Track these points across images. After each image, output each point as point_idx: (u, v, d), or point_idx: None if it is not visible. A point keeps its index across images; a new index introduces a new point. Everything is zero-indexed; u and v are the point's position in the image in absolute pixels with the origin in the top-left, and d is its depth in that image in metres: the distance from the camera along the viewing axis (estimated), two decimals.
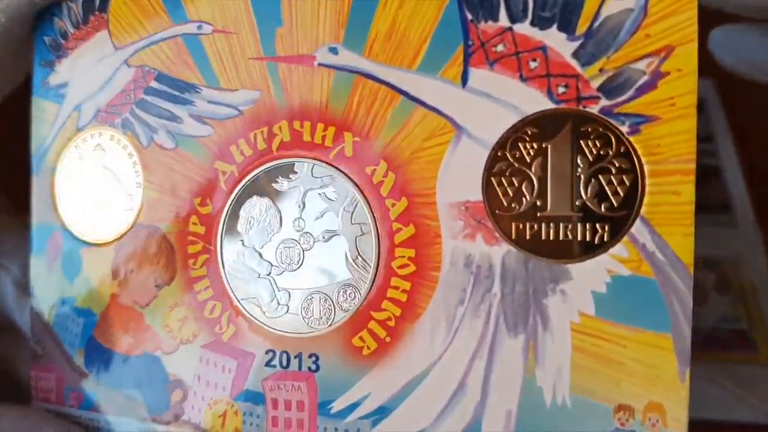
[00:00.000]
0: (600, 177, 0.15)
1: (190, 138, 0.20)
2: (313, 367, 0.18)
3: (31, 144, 0.22)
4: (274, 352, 0.19)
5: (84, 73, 0.21)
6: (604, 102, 0.15)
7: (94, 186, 0.21)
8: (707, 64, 0.19)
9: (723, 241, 0.29)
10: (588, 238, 0.15)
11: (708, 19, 0.15)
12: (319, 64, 0.18)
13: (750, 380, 0.25)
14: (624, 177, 0.15)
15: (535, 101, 0.16)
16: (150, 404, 0.20)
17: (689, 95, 0.15)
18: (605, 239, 0.15)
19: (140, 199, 0.20)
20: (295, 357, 0.18)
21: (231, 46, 0.19)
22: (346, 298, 0.18)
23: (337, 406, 0.18)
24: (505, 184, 0.16)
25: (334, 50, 0.18)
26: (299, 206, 0.18)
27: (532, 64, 0.16)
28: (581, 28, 0.16)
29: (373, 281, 0.18)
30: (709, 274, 0.28)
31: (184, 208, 0.20)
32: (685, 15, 0.15)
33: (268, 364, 0.19)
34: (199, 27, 0.20)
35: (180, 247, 0.20)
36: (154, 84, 0.20)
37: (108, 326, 0.21)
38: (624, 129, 0.15)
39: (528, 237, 0.16)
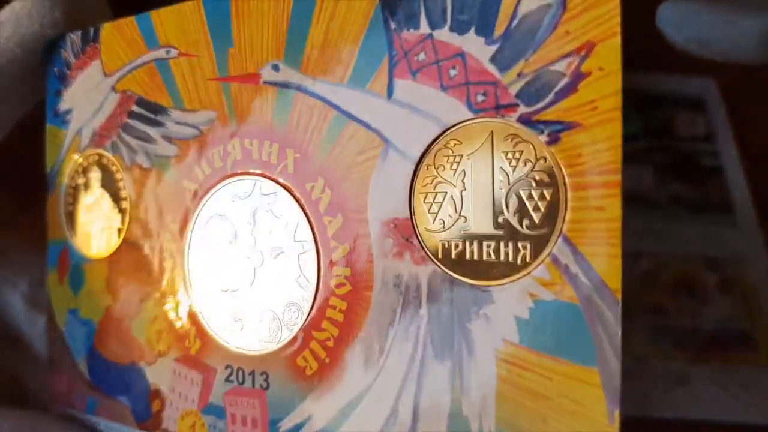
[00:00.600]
0: (521, 192, 0.14)
1: (163, 158, 0.21)
2: (264, 384, 0.19)
3: (46, 166, 0.24)
4: (232, 368, 0.19)
5: (82, 100, 0.23)
6: (522, 109, 0.14)
7: (92, 204, 0.23)
8: (707, 64, 0.17)
9: (724, 241, 0.28)
10: (510, 259, 0.14)
11: None
12: (264, 82, 0.18)
13: (751, 380, 0.24)
14: (544, 191, 0.14)
15: (456, 111, 0.15)
16: (136, 412, 0.22)
17: (612, 97, 0.13)
18: (527, 260, 0.14)
19: (126, 217, 0.22)
20: (249, 374, 0.19)
21: (193, 68, 0.20)
22: (291, 317, 0.18)
23: (285, 425, 0.18)
24: (431, 201, 0.15)
25: (275, 67, 0.18)
26: (250, 224, 0.19)
27: (452, 72, 0.15)
28: (499, 29, 0.14)
29: (314, 300, 0.17)
30: (711, 275, 0.27)
31: (159, 225, 0.21)
32: (606, 6, 0.13)
33: (227, 379, 0.19)
34: (168, 51, 0.21)
35: (157, 263, 0.21)
36: (134, 108, 0.22)
37: (105, 336, 0.23)
38: (543, 138, 0.14)
39: (453, 256, 0.15)
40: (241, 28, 0.19)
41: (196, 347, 0.20)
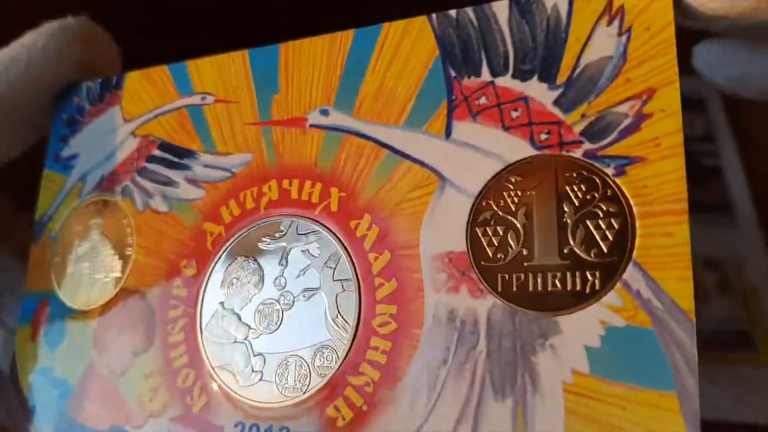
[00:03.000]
0: (587, 222, 0.15)
1: (184, 201, 0.20)
2: None
3: (36, 213, 0.23)
4: (243, 424, 0.18)
5: (94, 145, 0.23)
6: (587, 146, 0.15)
7: (87, 253, 0.22)
8: None
9: (724, 241, 0.29)
10: (578, 288, 0.15)
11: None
12: (311, 126, 0.19)
13: (750, 381, 0.25)
14: (612, 220, 0.15)
15: (518, 149, 0.16)
16: None
17: (675, 135, 0.15)
18: (596, 288, 0.14)
19: (129, 264, 0.21)
20: (266, 429, 0.17)
21: (230, 113, 0.20)
22: (323, 362, 0.17)
23: None
24: (490, 234, 0.16)
25: (325, 112, 0.19)
26: (281, 264, 0.18)
27: (514, 114, 0.16)
28: (561, 77, 0.16)
29: (353, 341, 0.17)
30: (711, 275, 0.28)
31: (169, 270, 0.20)
32: (664, 58, 0.15)
33: None
34: (203, 98, 0.21)
35: (161, 312, 0.20)
36: (156, 152, 0.21)
37: (81, 398, 0.20)
38: (609, 171, 0.15)
39: (515, 288, 0.15)
40: (289, 76, 0.20)
41: (200, 404, 0.19)
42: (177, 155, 0.21)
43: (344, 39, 0.19)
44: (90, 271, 0.22)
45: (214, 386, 0.18)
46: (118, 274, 0.21)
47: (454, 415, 0.15)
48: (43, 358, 0.22)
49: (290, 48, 0.20)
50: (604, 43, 0.16)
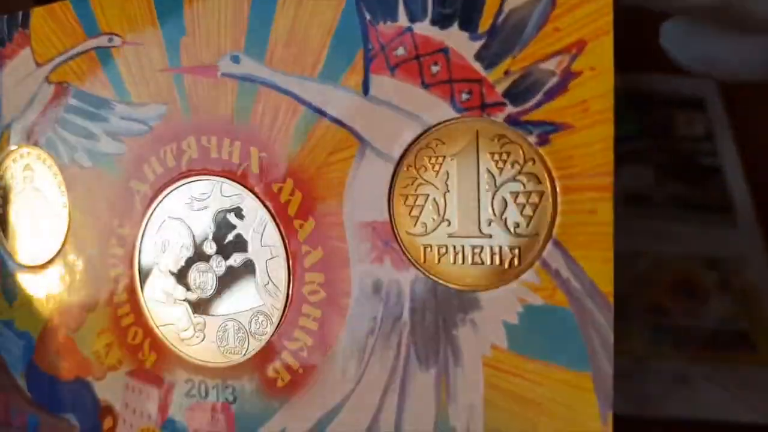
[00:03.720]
0: (509, 194, 0.14)
1: (106, 156, 0.19)
2: (230, 398, 0.17)
3: None
4: (193, 381, 0.18)
5: (12, 91, 0.21)
6: (510, 109, 0.14)
7: (26, 207, 0.21)
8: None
9: (723, 241, 0.28)
10: (498, 263, 0.14)
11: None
12: (222, 74, 0.17)
13: (751, 380, 0.24)
14: (533, 194, 0.13)
15: (439, 110, 0.14)
16: (84, 430, 0.20)
17: (604, 97, 0.13)
18: (515, 264, 0.14)
19: (66, 221, 0.20)
20: (213, 387, 0.18)
21: (139, 57, 0.18)
22: (258, 327, 0.17)
23: None
24: (412, 203, 0.15)
25: (235, 59, 0.17)
26: (210, 227, 0.17)
27: (434, 69, 0.14)
28: (484, 24, 0.14)
29: (285, 308, 0.17)
30: (711, 275, 0.27)
31: (104, 229, 0.19)
32: (598, 3, 0.13)
33: (188, 393, 0.18)
34: (110, 39, 0.19)
35: (102, 271, 0.19)
36: (72, 101, 0.20)
37: (45, 350, 0.21)
38: (532, 139, 0.13)
39: (437, 261, 0.15)
40: (195, 15, 0.18)
41: (151, 360, 0.19)
42: (93, 105, 0.19)
43: None
44: (30, 226, 0.21)
45: (162, 344, 0.19)
46: (58, 230, 0.21)
47: (381, 383, 0.16)
48: (3, 311, 0.22)
49: None
50: None
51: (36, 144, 0.21)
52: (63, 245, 0.20)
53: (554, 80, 0.14)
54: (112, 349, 0.20)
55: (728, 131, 0.30)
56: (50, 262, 0.21)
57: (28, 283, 0.21)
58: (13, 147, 0.21)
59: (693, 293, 0.27)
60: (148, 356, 0.19)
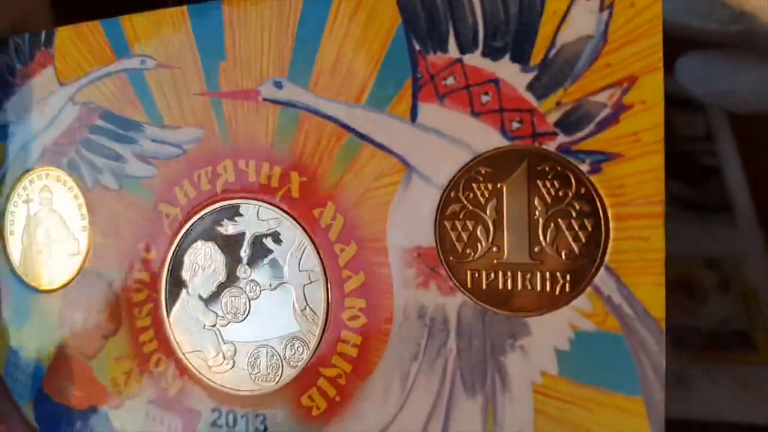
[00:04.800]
0: (559, 221, 0.14)
1: (134, 179, 0.19)
2: (261, 427, 0.17)
3: None
4: (220, 411, 0.17)
5: (31, 111, 0.20)
6: (561, 138, 0.14)
7: (41, 229, 0.20)
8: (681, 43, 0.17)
9: (724, 241, 0.28)
10: (548, 289, 0.14)
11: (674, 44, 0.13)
12: (264, 99, 0.17)
13: (750, 380, 0.24)
14: (585, 221, 0.14)
15: (488, 138, 0.15)
16: None
17: (655, 129, 0.13)
18: (567, 290, 0.14)
19: (86, 244, 0.19)
20: (242, 417, 0.17)
21: (175, 82, 0.18)
22: (294, 353, 0.17)
23: None
24: (459, 228, 0.15)
25: (279, 84, 0.17)
26: (245, 252, 0.17)
27: (484, 98, 0.15)
28: (536, 58, 0.14)
29: (323, 334, 0.16)
30: (710, 275, 0.27)
31: (128, 253, 0.19)
32: (648, 41, 0.13)
33: (214, 423, 0.18)
34: (143, 62, 0.19)
35: (125, 295, 0.19)
36: (98, 122, 0.19)
37: (56, 378, 0.20)
38: (584, 168, 0.14)
39: (484, 287, 0.15)
40: (236, 41, 0.18)
41: (175, 389, 0.18)
42: (122, 127, 0.19)
43: (295, 0, 0.17)
44: (45, 248, 0.20)
45: (188, 372, 0.18)
46: (76, 253, 0.20)
47: (425, 409, 0.15)
48: (12, 337, 0.21)
49: (234, 7, 0.18)
50: (584, 20, 0.14)
51: (56, 165, 0.20)
52: (81, 268, 0.20)
53: (606, 112, 0.14)
54: (132, 377, 0.19)
55: (728, 131, 0.30)
56: (66, 285, 0.20)
57: (41, 306, 0.21)
58: (29, 167, 0.21)
59: (693, 293, 0.26)
60: (172, 384, 0.18)
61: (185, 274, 0.18)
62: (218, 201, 0.18)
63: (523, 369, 0.15)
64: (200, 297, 0.18)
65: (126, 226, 0.19)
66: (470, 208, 0.15)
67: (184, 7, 0.18)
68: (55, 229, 0.20)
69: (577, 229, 0.14)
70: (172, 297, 0.18)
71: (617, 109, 0.14)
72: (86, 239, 0.20)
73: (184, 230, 0.18)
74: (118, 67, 0.19)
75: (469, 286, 0.15)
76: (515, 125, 0.15)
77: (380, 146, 0.16)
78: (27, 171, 0.21)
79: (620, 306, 0.14)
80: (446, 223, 0.15)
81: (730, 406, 0.23)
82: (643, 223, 0.14)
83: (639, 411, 0.14)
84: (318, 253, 0.17)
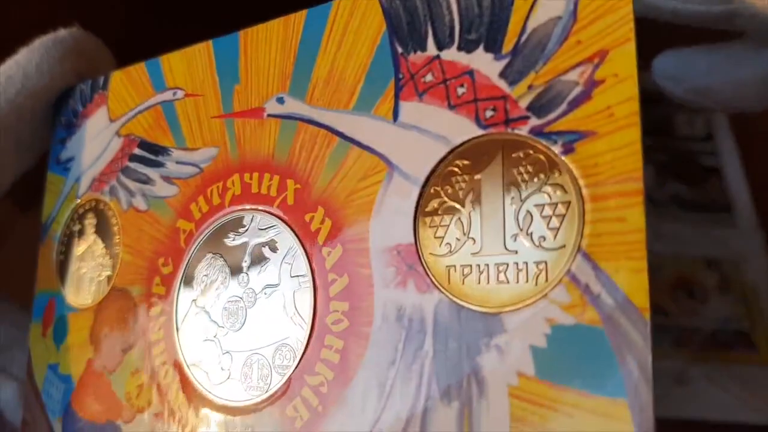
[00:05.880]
0: (534, 208, 0.13)
1: (160, 199, 0.20)
2: None
3: (41, 215, 0.24)
4: (216, 422, 0.17)
5: (85, 146, 0.23)
6: (534, 121, 0.13)
7: (85, 252, 0.22)
8: (658, 29, 0.16)
9: (724, 241, 0.28)
10: (525, 281, 0.13)
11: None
12: (268, 115, 0.18)
13: (750, 380, 0.24)
14: (560, 205, 0.13)
15: (464, 129, 0.14)
16: None
17: (629, 102, 0.12)
18: (543, 281, 0.13)
19: (118, 263, 0.21)
20: (233, 429, 0.17)
21: (197, 107, 0.20)
22: (282, 360, 0.16)
23: None
24: (437, 224, 0.14)
25: (280, 100, 0.18)
26: (245, 261, 0.18)
27: (460, 90, 0.15)
28: (508, 45, 0.14)
29: (308, 340, 0.16)
30: (711, 275, 0.27)
31: (149, 269, 0.20)
32: (618, 13, 0.13)
33: None
34: (174, 93, 0.20)
35: (144, 310, 0.20)
36: (136, 150, 0.21)
37: (83, 393, 0.21)
38: (556, 149, 0.13)
39: (462, 282, 0.14)
40: (248, 64, 0.19)
41: (179, 402, 0.18)
42: (153, 152, 0.21)
43: (297, 21, 0.18)
44: (87, 270, 0.22)
45: (190, 384, 0.18)
46: (110, 273, 0.21)
47: (402, 417, 0.14)
48: (51, 355, 0.22)
49: (248, 35, 0.19)
50: (553, 2, 0.14)
51: (100, 192, 0.22)
52: (111, 287, 0.21)
53: (578, 90, 0.13)
54: (143, 390, 0.19)
55: (728, 131, 0.30)
56: (99, 304, 0.21)
57: (77, 324, 0.22)
58: (80, 197, 0.23)
59: (693, 293, 0.26)
60: (176, 397, 0.19)
61: (195, 287, 0.19)
62: (226, 214, 0.19)
63: (499, 371, 0.13)
64: (204, 309, 0.18)
65: (149, 244, 0.20)
66: (448, 202, 0.15)
67: (210, 42, 0.20)
68: (96, 251, 0.22)
69: (551, 214, 0.13)
70: (183, 310, 0.19)
71: (589, 86, 0.13)
72: (118, 259, 0.21)
73: (195, 244, 0.19)
74: (155, 101, 0.21)
75: (446, 283, 0.14)
76: (489, 113, 0.14)
77: (365, 147, 0.16)
78: (79, 199, 0.23)
79: (599, 296, 0.12)
80: (426, 219, 0.15)
81: (730, 406, 0.23)
82: (621, 203, 0.12)
83: (623, 415, 0.12)
84: (308, 258, 0.17)
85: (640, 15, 0.13)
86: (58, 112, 0.24)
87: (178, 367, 0.19)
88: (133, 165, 0.21)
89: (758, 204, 0.28)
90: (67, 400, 0.21)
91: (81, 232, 0.23)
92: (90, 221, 0.22)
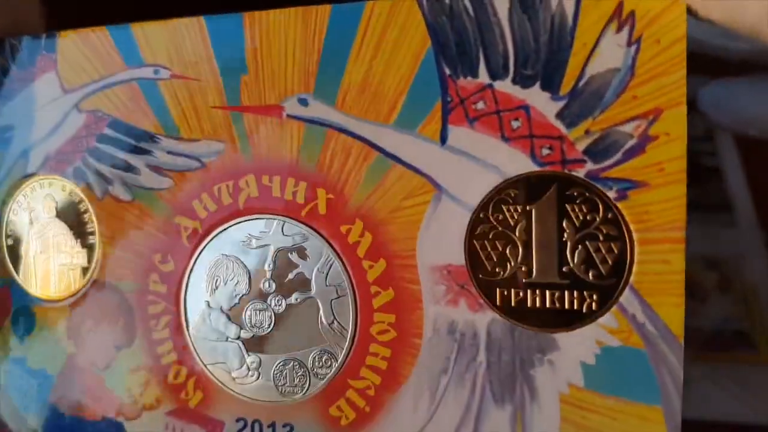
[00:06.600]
0: (587, 243, 0.15)
1: (148, 191, 0.18)
2: None
3: None
4: (245, 420, 0.18)
5: (31, 117, 0.20)
6: (590, 166, 0.15)
7: (45, 238, 0.20)
8: (705, 63, 0.18)
9: (724, 240, 0.28)
10: (576, 307, 0.15)
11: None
12: (288, 116, 0.17)
13: (751, 380, 0.24)
14: (612, 244, 0.15)
15: (518, 162, 0.15)
16: None
17: (678, 160, 0.14)
18: (593, 308, 0.15)
19: (96, 255, 0.19)
20: (269, 426, 0.18)
21: (191, 93, 0.18)
22: (322, 365, 0.17)
23: None
24: (489, 248, 0.16)
25: (304, 101, 0.17)
26: (269, 266, 0.17)
27: (515, 124, 0.15)
28: (565, 87, 0.15)
29: (351, 347, 0.17)
30: (711, 275, 0.27)
31: (143, 264, 0.19)
32: (673, 76, 0.14)
33: None
34: (156, 71, 0.18)
35: (140, 307, 0.19)
36: (107, 131, 0.19)
37: (66, 389, 0.20)
38: (611, 194, 0.15)
39: (513, 304, 0.15)
40: (258, 54, 0.18)
41: (196, 399, 0.19)
42: (133, 137, 0.19)
43: (320, 15, 0.17)
44: (50, 258, 0.20)
45: (210, 383, 0.18)
46: (84, 263, 0.20)
47: (455, 419, 0.16)
48: (13, 348, 0.21)
49: (256, 19, 0.17)
50: (612, 53, 0.15)
51: (61, 174, 0.20)
52: (90, 279, 0.20)
53: (632, 142, 0.15)
54: (149, 388, 0.19)
55: (728, 131, 0.29)
56: (74, 296, 0.20)
57: (46, 317, 0.20)
58: (29, 174, 0.20)
59: (693, 293, 0.26)
60: (193, 395, 0.19)
61: (205, 287, 0.18)
62: (241, 215, 0.18)
63: (550, 381, 0.16)
64: (222, 309, 0.18)
65: (139, 238, 0.19)
66: (500, 228, 0.16)
67: (201, 18, 0.18)
68: (59, 238, 0.20)
69: (604, 251, 0.15)
70: (192, 309, 0.18)
71: (643, 139, 0.15)
72: (96, 250, 0.19)
73: (204, 243, 0.18)
74: (129, 76, 0.19)
75: (498, 303, 0.16)
76: (545, 151, 0.15)
77: (409, 166, 0.16)
78: (26, 178, 0.20)
79: (644, 324, 0.15)
80: (476, 242, 0.16)
81: (730, 406, 0.23)
82: (666, 248, 0.15)
83: (658, 419, 0.15)
84: (346, 268, 0.17)
85: (691, 51, 0.14)
86: None
87: (190, 366, 0.19)
88: (104, 147, 0.19)
89: (758, 204, 0.28)
90: (45, 395, 0.20)
91: (35, 217, 0.20)
92: (48, 204, 0.20)
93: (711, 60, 0.17)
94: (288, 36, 0.17)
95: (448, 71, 0.16)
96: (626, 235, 0.15)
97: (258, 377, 0.18)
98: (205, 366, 0.18)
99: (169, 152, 0.18)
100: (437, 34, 0.16)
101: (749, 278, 0.27)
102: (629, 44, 0.15)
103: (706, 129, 0.28)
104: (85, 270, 0.20)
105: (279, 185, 0.17)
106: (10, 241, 0.20)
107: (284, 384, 0.18)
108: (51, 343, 0.20)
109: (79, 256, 0.20)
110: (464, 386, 0.16)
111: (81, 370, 0.20)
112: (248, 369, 0.18)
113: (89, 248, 0.20)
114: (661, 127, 0.15)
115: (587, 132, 0.15)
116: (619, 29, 0.15)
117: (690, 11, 0.14)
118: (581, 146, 0.15)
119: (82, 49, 0.19)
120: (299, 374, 0.17)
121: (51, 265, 0.20)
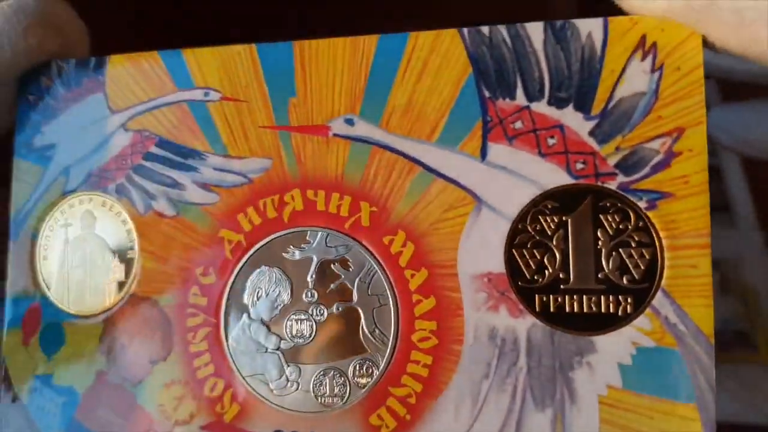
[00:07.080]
0: (621, 250, 0.16)
1: (193, 206, 0.19)
2: None
3: (11, 207, 0.21)
4: None
5: (74, 136, 0.21)
6: (621, 178, 0.16)
7: (81, 254, 0.20)
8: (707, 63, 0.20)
9: (724, 241, 0.28)
10: (612, 311, 0.16)
11: None
12: (335, 135, 0.18)
13: (750, 380, 0.25)
14: (644, 251, 0.16)
15: (555, 176, 0.17)
16: None
17: (701, 173, 0.16)
18: (629, 311, 0.16)
19: (134, 269, 0.20)
20: None
21: (240, 114, 0.19)
22: (363, 374, 0.18)
23: None
24: (527, 257, 0.17)
25: (350, 121, 0.18)
26: (311, 277, 0.18)
27: (550, 141, 0.17)
28: (596, 108, 0.17)
29: (392, 355, 0.17)
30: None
31: (184, 278, 0.19)
32: (693, 99, 0.16)
33: None
34: (206, 94, 0.19)
35: (178, 320, 0.19)
36: (154, 149, 0.20)
37: (92, 406, 0.20)
38: (642, 204, 0.16)
39: (552, 309, 0.16)
40: (307, 78, 0.19)
41: (232, 413, 0.19)
42: (180, 155, 0.20)
43: (367, 44, 0.18)
44: (85, 273, 0.20)
45: (247, 395, 0.18)
46: (122, 278, 0.20)
47: (497, 424, 0.17)
48: (38, 366, 0.20)
49: (306, 48, 0.19)
50: (638, 79, 0.17)
51: (102, 190, 0.20)
52: (127, 294, 0.20)
53: (659, 157, 0.16)
54: (183, 402, 0.19)
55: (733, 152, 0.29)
56: (108, 310, 0.20)
57: (78, 333, 0.20)
58: (70, 193, 0.21)
59: None
60: (229, 409, 0.19)
61: (247, 299, 0.19)
62: (285, 228, 0.19)
63: (590, 383, 0.16)
64: (262, 321, 0.19)
65: (181, 251, 0.19)
66: (537, 238, 0.17)
67: (253, 46, 0.19)
68: (97, 254, 0.20)
69: (636, 257, 0.16)
70: (232, 321, 0.19)
71: (669, 155, 0.16)
72: (134, 264, 0.20)
73: (248, 255, 0.19)
74: (178, 98, 0.20)
75: (537, 309, 0.17)
76: (579, 165, 0.17)
77: (451, 180, 0.18)
78: (65, 195, 0.21)
79: (676, 325, 0.16)
80: (515, 251, 0.17)
81: (731, 406, 0.24)
82: (693, 253, 0.16)
83: (694, 416, 0.16)
84: (388, 277, 0.18)
85: None
86: (24, 89, 0.21)
87: (229, 378, 0.19)
88: (150, 165, 0.20)
89: (758, 204, 0.28)
90: (71, 413, 0.20)
91: (73, 231, 0.21)
92: (86, 220, 0.21)
93: (717, 82, 0.19)
94: (336, 62, 0.19)
95: (488, 94, 0.17)
96: (657, 242, 0.16)
97: (297, 388, 0.18)
98: (244, 378, 0.18)
99: (216, 169, 0.19)
100: (478, 62, 0.18)
101: (749, 279, 0.27)
102: (653, 71, 0.16)
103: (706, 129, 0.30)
104: (121, 284, 0.20)
105: (323, 199, 0.18)
106: (45, 257, 0.21)
107: (324, 394, 0.18)
108: (80, 359, 0.20)
109: (118, 271, 0.20)
110: (505, 391, 0.17)
111: (111, 386, 0.20)
112: (287, 380, 0.18)
113: (127, 263, 0.20)
114: (685, 144, 0.16)
115: (617, 148, 0.17)
116: (643, 58, 0.17)
117: (706, 43, 0.16)
118: (612, 161, 0.17)
119: (131, 72, 0.20)
120: (339, 384, 0.18)
121: (86, 280, 0.20)
